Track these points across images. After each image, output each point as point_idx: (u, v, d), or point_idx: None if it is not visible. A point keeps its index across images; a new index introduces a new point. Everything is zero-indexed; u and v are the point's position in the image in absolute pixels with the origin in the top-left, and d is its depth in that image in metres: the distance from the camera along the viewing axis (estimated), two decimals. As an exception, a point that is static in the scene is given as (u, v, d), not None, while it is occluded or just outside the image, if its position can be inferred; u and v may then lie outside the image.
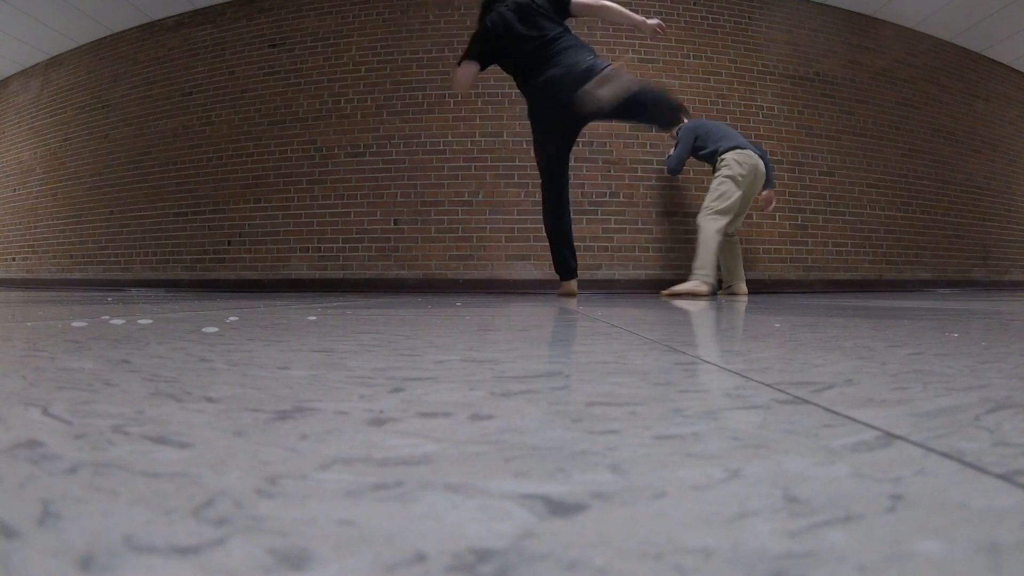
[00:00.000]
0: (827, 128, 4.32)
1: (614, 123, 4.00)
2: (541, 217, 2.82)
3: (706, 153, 3.14)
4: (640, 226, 3.96)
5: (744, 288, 3.16)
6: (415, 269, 3.95)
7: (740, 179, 2.91)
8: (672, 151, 3.35)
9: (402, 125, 4.03)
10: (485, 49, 2.61)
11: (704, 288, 2.84)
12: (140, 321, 0.91)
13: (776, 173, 3.93)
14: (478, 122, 3.98)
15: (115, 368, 0.44)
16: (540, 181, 2.77)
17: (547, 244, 3.88)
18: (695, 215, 4.04)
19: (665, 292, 2.91)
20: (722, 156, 2.98)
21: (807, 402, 0.33)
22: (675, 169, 3.19)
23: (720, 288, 3.34)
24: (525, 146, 3.95)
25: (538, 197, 3.91)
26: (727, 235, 3.17)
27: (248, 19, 4.44)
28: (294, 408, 0.32)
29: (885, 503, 0.18)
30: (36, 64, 5.58)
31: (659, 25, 2.70)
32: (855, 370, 0.45)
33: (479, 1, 2.73)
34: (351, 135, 4.07)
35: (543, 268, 3.88)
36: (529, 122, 2.71)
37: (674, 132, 3.42)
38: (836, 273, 4.26)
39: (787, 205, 4.13)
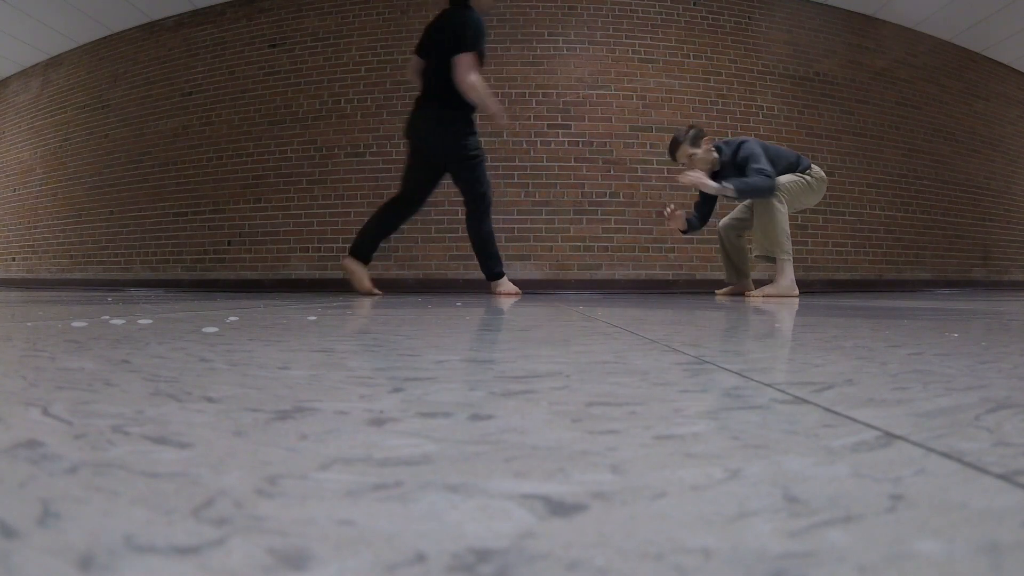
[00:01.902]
0: (827, 128, 4.32)
1: (618, 125, 4.00)
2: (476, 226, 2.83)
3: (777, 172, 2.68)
4: (640, 226, 3.96)
5: (750, 285, 3.08)
6: (415, 269, 3.95)
7: (814, 190, 2.76)
8: (728, 180, 2.60)
9: (402, 125, 4.02)
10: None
11: (795, 290, 2.64)
12: (140, 321, 0.91)
13: None
14: (478, 122, 3.97)
15: (115, 368, 0.44)
16: (477, 200, 2.79)
17: (546, 244, 3.91)
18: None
19: (755, 293, 2.66)
20: (809, 168, 2.75)
21: (807, 402, 0.33)
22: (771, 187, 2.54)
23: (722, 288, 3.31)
24: (525, 146, 3.96)
25: (538, 197, 3.92)
26: (738, 236, 3.04)
27: (248, 19, 4.44)
28: (294, 408, 0.32)
29: (885, 503, 0.18)
30: (36, 64, 5.58)
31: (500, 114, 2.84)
32: (855, 370, 0.45)
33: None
34: (351, 135, 4.07)
35: (543, 268, 3.88)
36: (478, 146, 2.80)
37: (704, 149, 2.74)
38: (836, 273, 4.26)
39: (787, 205, 4.13)
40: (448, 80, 2.66)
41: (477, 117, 2.80)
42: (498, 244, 2.96)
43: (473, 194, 2.78)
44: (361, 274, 2.82)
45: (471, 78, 2.58)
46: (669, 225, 2.90)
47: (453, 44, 2.59)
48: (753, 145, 2.66)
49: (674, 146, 2.81)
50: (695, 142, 2.75)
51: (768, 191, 2.56)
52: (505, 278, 2.90)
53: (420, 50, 2.81)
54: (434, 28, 2.72)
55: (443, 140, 2.73)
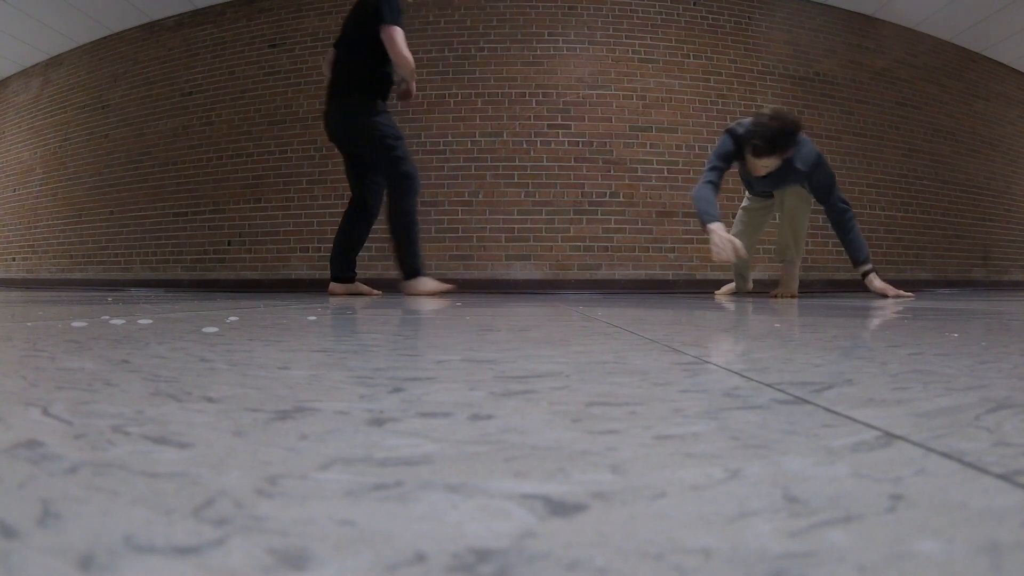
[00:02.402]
0: (827, 128, 4.32)
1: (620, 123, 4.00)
2: (399, 220, 2.60)
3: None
4: (640, 226, 3.96)
5: (751, 286, 3.08)
6: (415, 269, 3.94)
7: None
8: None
9: (402, 125, 4.00)
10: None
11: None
12: (140, 321, 0.91)
13: None
14: (478, 122, 3.98)
15: (115, 368, 0.44)
16: (399, 179, 2.57)
17: (546, 244, 3.91)
18: (696, 215, 4.04)
19: (783, 292, 2.63)
20: None
21: (807, 402, 0.33)
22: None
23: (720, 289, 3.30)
24: (525, 146, 3.96)
25: (538, 197, 3.92)
26: (745, 250, 2.93)
27: (248, 19, 4.44)
28: (294, 408, 0.32)
29: (885, 503, 0.18)
30: (36, 64, 5.58)
31: (410, 92, 2.69)
32: (855, 370, 0.45)
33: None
34: (351, 135, 4.07)
35: (543, 268, 3.88)
36: (391, 125, 2.61)
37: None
38: (836, 273, 4.26)
39: (787, 205, 4.13)
40: (355, 66, 2.55)
41: (390, 95, 2.63)
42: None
43: (393, 174, 2.56)
44: (352, 289, 2.74)
45: (406, 50, 2.43)
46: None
47: (374, 20, 2.45)
48: (827, 165, 2.42)
49: (781, 150, 2.30)
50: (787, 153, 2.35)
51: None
52: (423, 278, 2.59)
53: (337, 43, 2.71)
54: (348, 18, 2.63)
55: (354, 126, 2.58)
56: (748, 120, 2.43)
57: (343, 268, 2.74)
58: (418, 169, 2.66)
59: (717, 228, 2.28)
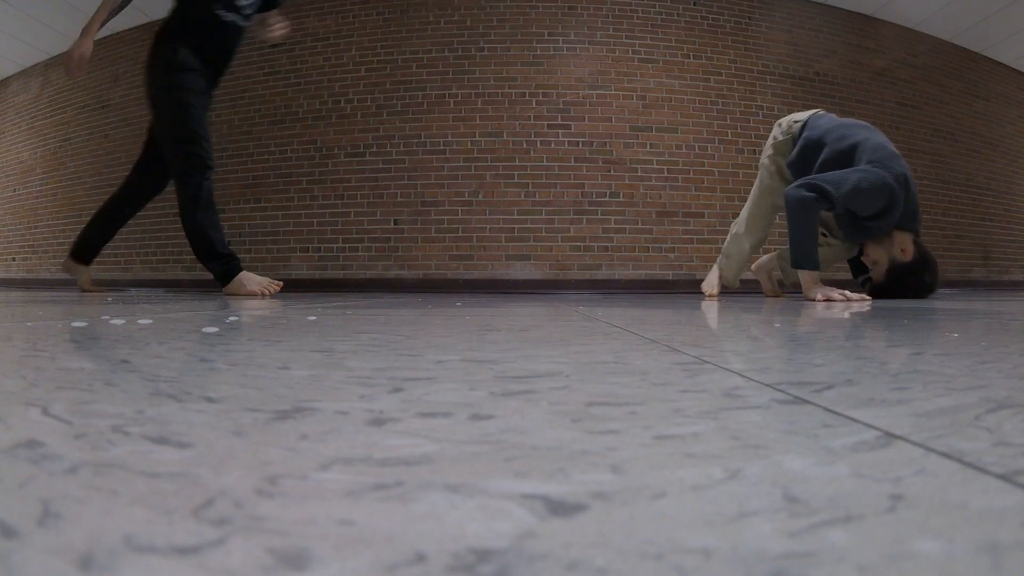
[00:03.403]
0: (827, 128, 4.32)
1: (618, 122, 3.99)
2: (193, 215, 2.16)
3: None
4: (640, 226, 3.96)
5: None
6: (415, 269, 3.95)
7: None
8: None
9: (402, 125, 4.03)
10: None
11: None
12: (140, 321, 0.91)
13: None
14: (478, 122, 3.98)
15: (115, 368, 0.44)
16: (176, 173, 2.09)
17: (546, 244, 3.91)
18: (695, 215, 4.06)
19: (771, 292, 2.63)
20: None
21: (807, 402, 0.33)
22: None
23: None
24: (525, 146, 3.96)
25: (538, 197, 3.92)
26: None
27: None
28: (294, 408, 0.32)
29: (885, 503, 0.18)
30: (36, 64, 5.58)
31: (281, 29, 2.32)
32: (855, 370, 0.45)
33: None
34: (351, 135, 4.07)
35: (543, 268, 3.88)
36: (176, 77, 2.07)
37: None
38: (836, 273, 4.26)
39: (787, 205, 4.13)
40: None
41: (216, 42, 2.19)
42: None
43: (169, 155, 2.07)
44: (81, 274, 2.31)
45: None
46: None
47: None
48: None
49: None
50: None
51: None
52: (241, 275, 2.33)
53: None
54: None
55: (147, 83, 2.09)
56: (913, 187, 2.09)
57: (89, 250, 2.26)
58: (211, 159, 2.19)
59: (817, 280, 2.18)
